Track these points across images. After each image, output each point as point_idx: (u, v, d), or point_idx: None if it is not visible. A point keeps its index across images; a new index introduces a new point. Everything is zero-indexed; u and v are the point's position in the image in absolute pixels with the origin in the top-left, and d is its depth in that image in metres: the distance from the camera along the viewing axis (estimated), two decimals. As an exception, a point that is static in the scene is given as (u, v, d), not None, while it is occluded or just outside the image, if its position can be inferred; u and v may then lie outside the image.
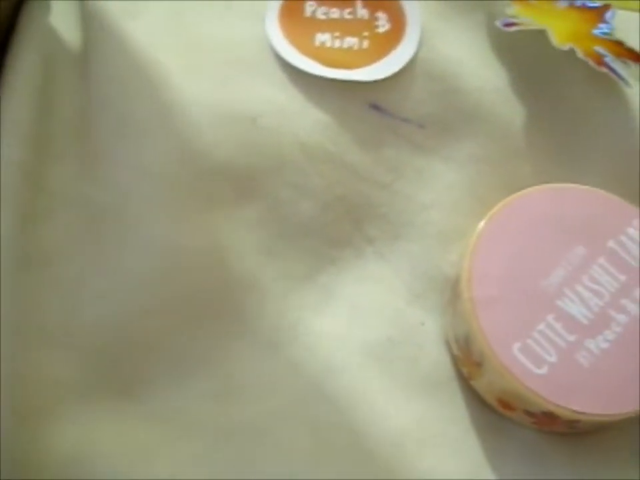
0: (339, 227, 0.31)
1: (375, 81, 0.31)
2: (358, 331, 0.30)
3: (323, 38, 0.32)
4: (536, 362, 0.28)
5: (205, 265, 0.29)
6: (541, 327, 0.28)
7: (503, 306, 0.28)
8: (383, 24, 0.32)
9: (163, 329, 0.28)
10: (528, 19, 0.32)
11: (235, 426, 0.28)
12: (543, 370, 0.28)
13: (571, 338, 0.28)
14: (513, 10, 0.33)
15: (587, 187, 0.31)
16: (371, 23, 0.32)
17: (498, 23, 0.32)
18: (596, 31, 0.33)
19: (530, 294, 0.29)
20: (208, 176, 0.30)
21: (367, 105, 0.31)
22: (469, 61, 0.33)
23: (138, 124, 0.29)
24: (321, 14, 0.32)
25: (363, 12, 0.32)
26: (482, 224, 0.30)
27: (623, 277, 0.30)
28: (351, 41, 0.32)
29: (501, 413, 0.30)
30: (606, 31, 0.34)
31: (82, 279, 0.28)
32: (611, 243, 0.30)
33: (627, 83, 0.32)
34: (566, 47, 0.32)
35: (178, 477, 0.27)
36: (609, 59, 0.32)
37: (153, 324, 0.28)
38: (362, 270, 0.31)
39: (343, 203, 0.31)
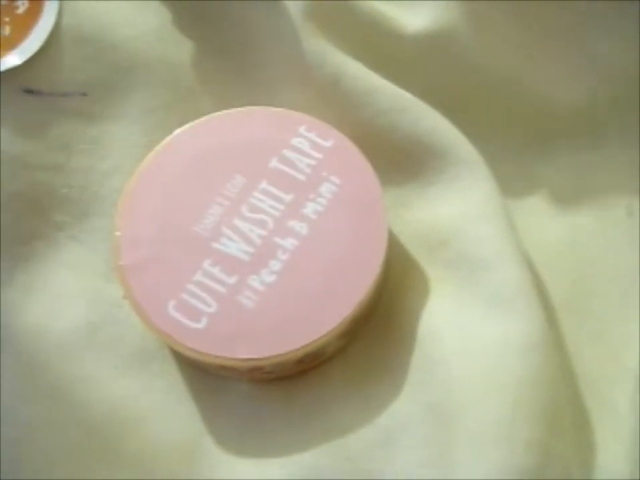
0: (24, 223, 0.29)
1: (24, 65, 0.30)
2: (58, 322, 0.29)
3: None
4: (193, 317, 0.25)
5: None
6: (197, 276, 0.26)
7: (154, 266, 0.26)
8: (23, 3, 0.30)
9: None
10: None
11: None
12: (202, 324, 0.25)
13: (232, 280, 0.26)
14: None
15: (244, 108, 0.28)
16: (10, 7, 0.30)
17: None
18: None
19: (182, 245, 0.26)
20: None
21: (21, 91, 0.30)
22: (119, 12, 0.30)
23: None
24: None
25: (2, -2, 0.31)
26: (127, 185, 0.27)
27: (288, 197, 0.27)
28: (-7, 32, 0.30)
29: (213, 373, 0.28)
30: None
31: None
32: (273, 162, 0.27)
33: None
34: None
35: None
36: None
37: None
38: (57, 259, 0.29)
39: (21, 198, 0.29)
